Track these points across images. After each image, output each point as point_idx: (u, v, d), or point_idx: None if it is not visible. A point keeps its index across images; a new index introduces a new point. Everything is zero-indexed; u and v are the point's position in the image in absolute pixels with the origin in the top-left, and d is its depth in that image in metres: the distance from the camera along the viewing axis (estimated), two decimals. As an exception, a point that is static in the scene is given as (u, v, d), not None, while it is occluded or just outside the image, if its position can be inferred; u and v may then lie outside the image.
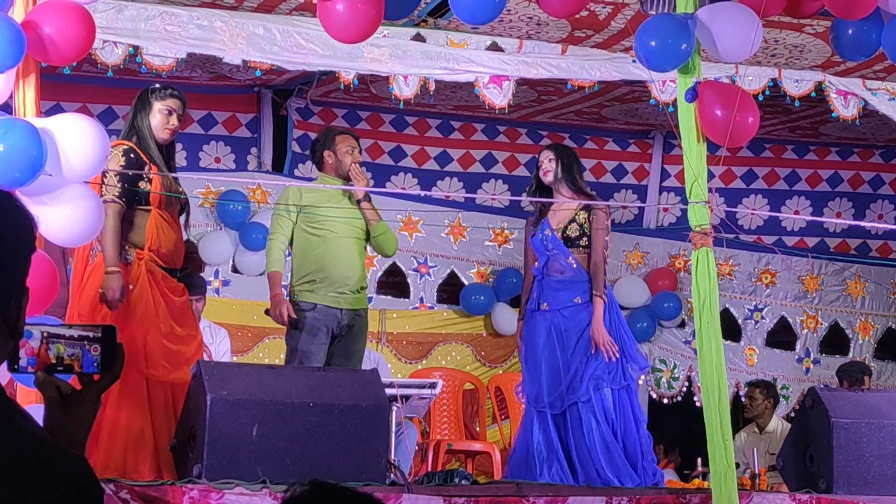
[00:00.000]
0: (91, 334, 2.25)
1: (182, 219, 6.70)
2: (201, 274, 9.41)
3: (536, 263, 7.18)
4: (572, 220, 7.18)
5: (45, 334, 2.22)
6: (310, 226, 7.46)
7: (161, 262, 6.47)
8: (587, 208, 7.25)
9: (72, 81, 8.67)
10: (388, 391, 6.39)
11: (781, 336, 11.47)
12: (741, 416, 10.29)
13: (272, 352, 9.86)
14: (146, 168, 6.47)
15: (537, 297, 7.09)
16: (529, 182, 7.43)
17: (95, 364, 2.24)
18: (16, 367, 2.21)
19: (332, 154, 7.52)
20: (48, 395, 2.20)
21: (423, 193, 10.69)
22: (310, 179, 10.19)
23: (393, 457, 6.10)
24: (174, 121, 6.58)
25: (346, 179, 7.50)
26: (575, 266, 7.06)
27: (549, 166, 7.20)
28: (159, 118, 6.56)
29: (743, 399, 10.43)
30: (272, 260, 7.47)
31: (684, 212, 6.39)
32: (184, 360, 6.33)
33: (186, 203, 6.73)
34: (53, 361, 2.22)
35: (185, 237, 6.80)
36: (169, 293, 6.46)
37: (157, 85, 6.77)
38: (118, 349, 2.26)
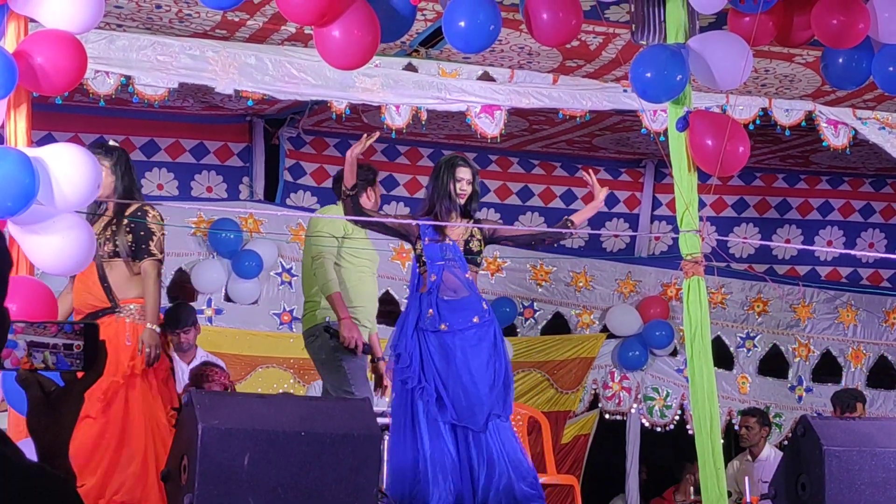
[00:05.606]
0: (74, 336, 2.25)
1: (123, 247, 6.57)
2: (192, 303, 9.41)
3: (433, 277, 6.95)
4: (472, 235, 6.91)
5: (29, 343, 2.22)
6: (354, 257, 7.57)
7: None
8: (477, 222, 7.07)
9: (63, 111, 8.68)
10: (381, 420, 6.38)
11: (774, 364, 11.48)
12: (734, 444, 10.28)
13: (265, 381, 9.84)
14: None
15: (434, 318, 6.84)
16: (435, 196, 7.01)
17: (73, 362, 2.24)
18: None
19: (374, 192, 7.68)
20: (31, 393, 2.20)
21: (414, 222, 10.68)
22: (301, 209, 10.23)
23: (385, 486, 6.09)
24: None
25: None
26: (470, 281, 6.83)
27: (467, 189, 6.91)
28: None
29: (737, 428, 10.42)
30: (330, 280, 7.49)
31: (676, 240, 6.42)
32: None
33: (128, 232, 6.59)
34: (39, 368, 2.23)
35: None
36: None
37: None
38: (100, 347, 2.25)
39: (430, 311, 6.82)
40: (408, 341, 6.81)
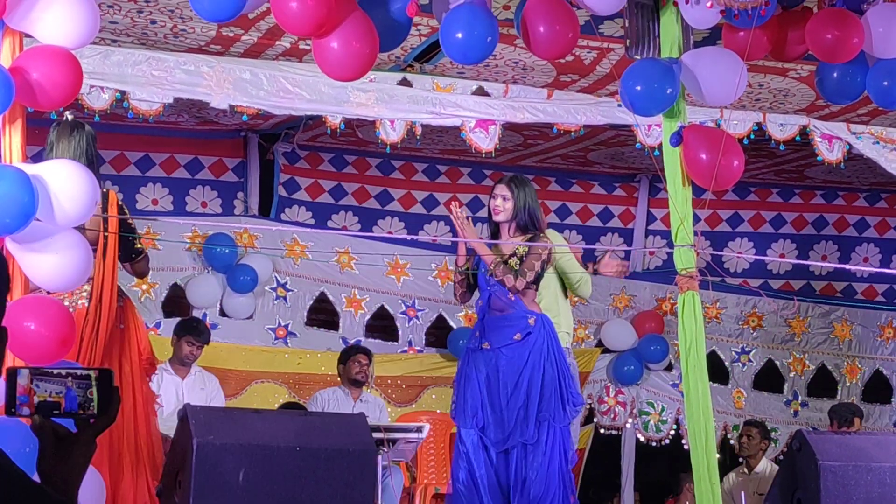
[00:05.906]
0: (88, 382, 2.25)
1: None
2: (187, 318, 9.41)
3: (481, 303, 6.96)
4: (512, 254, 6.86)
5: (33, 375, 2.22)
6: None
7: None
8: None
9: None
10: (375, 435, 6.38)
11: (769, 379, 11.48)
12: (729, 458, 10.28)
13: (261, 396, 9.82)
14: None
15: (480, 336, 6.85)
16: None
17: (86, 409, 2.24)
18: (13, 410, 2.21)
19: None
20: (44, 440, 2.20)
21: (409, 237, 10.69)
22: (296, 224, 10.24)
23: (380, 501, 6.08)
24: None
25: None
26: (514, 299, 6.80)
27: (501, 205, 6.90)
28: None
29: (732, 441, 10.41)
30: None
31: (671, 255, 6.42)
32: None
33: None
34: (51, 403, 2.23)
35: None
36: None
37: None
38: (114, 393, 2.25)
39: (477, 332, 6.91)
40: (460, 362, 7.00)
